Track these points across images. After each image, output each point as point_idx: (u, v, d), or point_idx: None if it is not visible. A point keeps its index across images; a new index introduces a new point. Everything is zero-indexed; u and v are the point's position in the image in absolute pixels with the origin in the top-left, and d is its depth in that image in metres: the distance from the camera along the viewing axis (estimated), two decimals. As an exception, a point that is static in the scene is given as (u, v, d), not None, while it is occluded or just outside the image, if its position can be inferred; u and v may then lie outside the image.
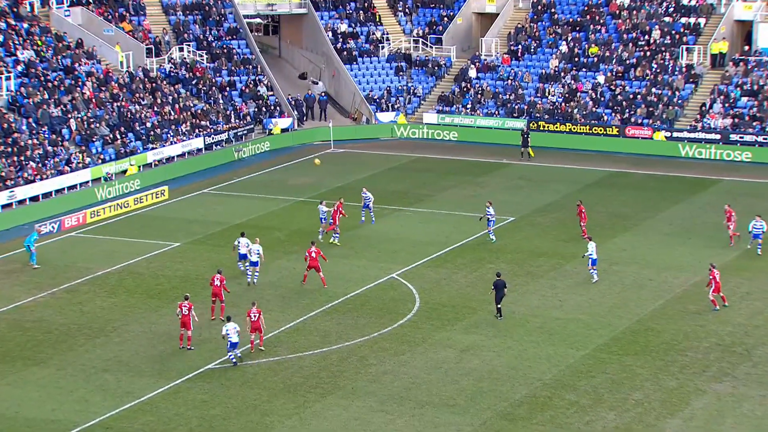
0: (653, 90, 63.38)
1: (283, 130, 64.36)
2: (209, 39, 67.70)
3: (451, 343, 35.40)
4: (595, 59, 66.35)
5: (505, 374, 32.98)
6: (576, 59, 66.84)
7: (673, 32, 65.83)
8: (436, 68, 69.17)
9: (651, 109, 62.54)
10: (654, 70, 64.36)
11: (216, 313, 36.96)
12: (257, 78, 66.34)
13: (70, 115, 56.05)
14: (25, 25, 60.37)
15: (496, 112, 65.26)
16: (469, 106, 65.89)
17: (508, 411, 30.72)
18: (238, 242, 40.72)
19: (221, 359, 33.96)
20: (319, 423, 30.11)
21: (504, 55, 68.42)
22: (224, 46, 67.74)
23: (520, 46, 68.56)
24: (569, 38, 67.99)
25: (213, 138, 60.23)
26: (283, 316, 37.38)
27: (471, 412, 30.72)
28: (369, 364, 33.73)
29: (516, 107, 64.93)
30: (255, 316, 34.35)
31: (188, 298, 34.71)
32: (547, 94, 65.28)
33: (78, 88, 57.99)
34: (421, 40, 70.77)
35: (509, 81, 66.65)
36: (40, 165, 51.75)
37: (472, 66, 68.02)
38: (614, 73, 65.14)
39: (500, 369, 33.34)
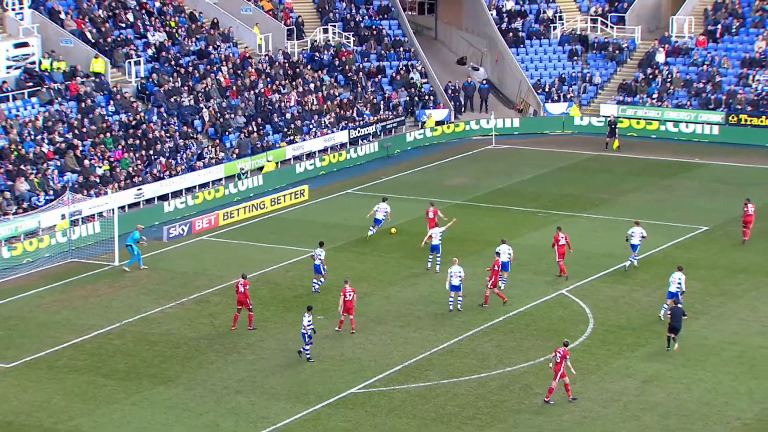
0: None
1: (438, 123, 64.54)
2: (357, 19, 68.48)
3: (630, 372, 34.86)
4: (809, 41, 64.26)
5: (696, 411, 32.30)
6: (786, 41, 64.90)
7: None
8: (617, 52, 68.20)
9: None
10: None
11: (239, 323, 37.39)
12: (410, 63, 66.74)
13: (202, 104, 57.55)
14: (157, 4, 62.37)
15: (688, 104, 64.00)
16: (655, 96, 64.82)
17: (699, 455, 30.00)
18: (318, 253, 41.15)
19: (365, 383, 34.20)
20: (475, 460, 30.06)
21: (699, 36, 67.07)
22: (373, 26, 68.41)
23: (719, 26, 67.07)
24: (778, 16, 66.09)
25: (359, 131, 60.90)
26: (435, 335, 37.39)
27: (654, 454, 30.13)
28: (534, 394, 33.48)
29: (712, 98, 63.52)
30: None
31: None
32: (750, 83, 63.63)
33: (212, 75, 59.51)
34: (600, 19, 69.89)
35: (704, 67, 65.29)
36: (170, 160, 53.27)
37: (661, 49, 66.84)
38: (832, 57, 63.03)
39: (690, 404, 32.67)
